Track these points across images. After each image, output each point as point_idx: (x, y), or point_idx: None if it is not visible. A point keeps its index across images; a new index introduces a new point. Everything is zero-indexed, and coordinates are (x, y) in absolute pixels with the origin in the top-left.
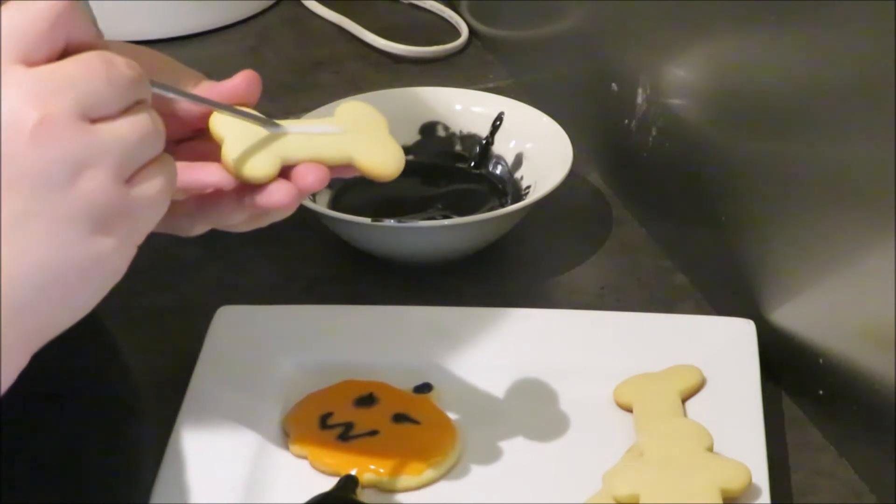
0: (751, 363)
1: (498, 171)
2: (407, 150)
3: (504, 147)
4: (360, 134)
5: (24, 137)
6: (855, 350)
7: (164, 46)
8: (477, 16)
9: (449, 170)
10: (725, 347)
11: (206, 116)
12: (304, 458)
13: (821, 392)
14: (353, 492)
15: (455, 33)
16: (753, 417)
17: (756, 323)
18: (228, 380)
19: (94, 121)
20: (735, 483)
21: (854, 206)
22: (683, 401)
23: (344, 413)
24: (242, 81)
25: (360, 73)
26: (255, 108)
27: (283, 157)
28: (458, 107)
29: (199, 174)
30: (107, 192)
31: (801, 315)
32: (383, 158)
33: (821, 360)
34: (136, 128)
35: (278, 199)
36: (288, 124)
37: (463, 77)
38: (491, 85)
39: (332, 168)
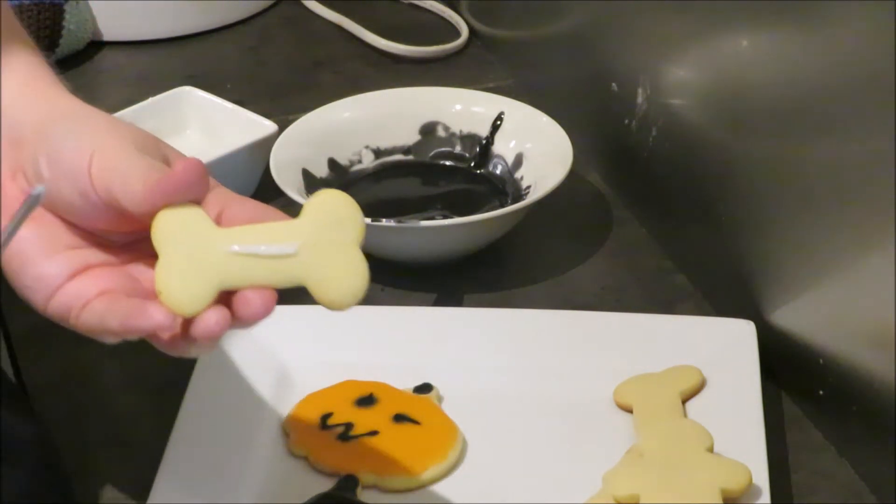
0: (751, 363)
1: (498, 171)
2: (407, 150)
3: (504, 147)
4: (319, 249)
5: None
6: (855, 350)
7: (164, 46)
8: (477, 16)
9: (449, 170)
10: (725, 348)
11: (146, 217)
12: (304, 458)
13: (821, 392)
14: (353, 492)
15: (455, 33)
16: (753, 417)
17: (756, 323)
18: (228, 380)
19: None
20: (735, 483)
21: (854, 206)
22: (683, 401)
23: (344, 413)
24: (186, 175)
25: (360, 73)
26: (253, 108)
27: (221, 284)
28: (458, 107)
29: (138, 320)
30: None
31: (801, 315)
32: (338, 287)
33: (821, 360)
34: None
35: (206, 328)
36: (237, 234)
37: (463, 77)
38: (491, 85)
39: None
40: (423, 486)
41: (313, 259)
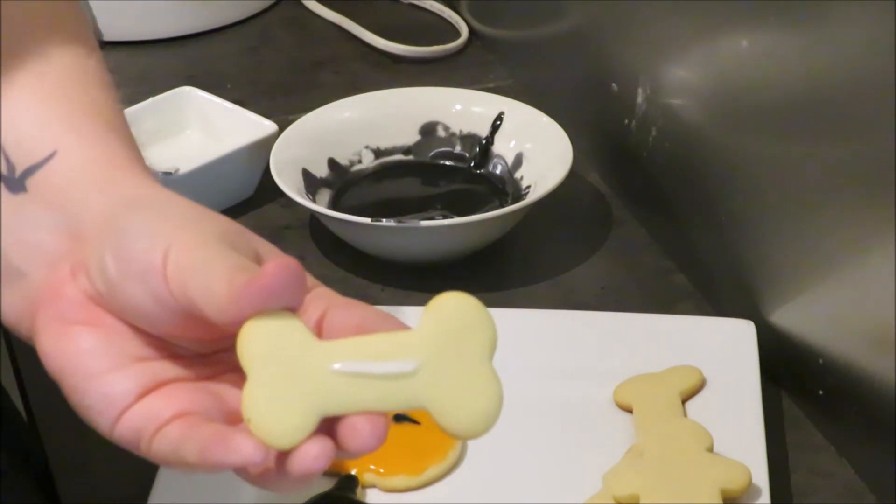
0: (751, 363)
1: (498, 171)
2: (407, 150)
3: (504, 147)
4: (443, 366)
5: None
6: (855, 350)
7: (164, 46)
8: (477, 16)
9: (449, 170)
10: (725, 348)
11: (233, 327)
12: None
13: (821, 392)
14: (353, 492)
15: (455, 33)
16: (753, 417)
17: (756, 323)
18: None
19: None
20: (735, 483)
21: (854, 206)
22: (683, 401)
23: None
24: (283, 276)
25: (360, 73)
26: (253, 108)
27: (323, 410)
28: (458, 107)
29: (223, 454)
30: None
31: (801, 315)
32: (468, 412)
33: (821, 360)
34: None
35: (304, 464)
36: (342, 349)
37: (463, 77)
38: (491, 85)
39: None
40: (423, 486)
41: (436, 378)
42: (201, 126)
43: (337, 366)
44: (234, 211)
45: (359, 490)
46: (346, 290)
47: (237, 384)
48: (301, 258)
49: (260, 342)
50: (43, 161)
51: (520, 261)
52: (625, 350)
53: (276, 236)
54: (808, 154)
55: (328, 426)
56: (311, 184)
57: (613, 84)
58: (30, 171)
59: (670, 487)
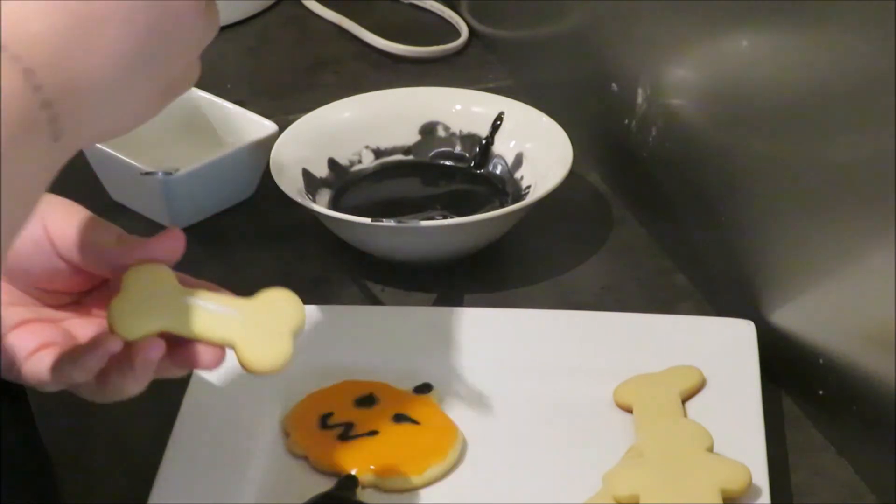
0: (751, 363)
1: (498, 171)
2: (407, 150)
3: (504, 147)
4: (256, 322)
5: None
6: (855, 350)
7: None
8: (477, 16)
9: (449, 170)
10: (725, 348)
11: (119, 269)
12: (304, 458)
13: (821, 392)
14: (353, 492)
15: (455, 33)
16: (753, 417)
17: (756, 323)
18: (228, 380)
19: None
20: (735, 483)
21: (854, 206)
22: (683, 401)
23: (344, 413)
24: (167, 241)
25: (360, 73)
26: (253, 108)
27: (166, 326)
28: (458, 107)
29: (91, 348)
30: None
31: (801, 315)
32: (262, 353)
33: (821, 360)
34: None
35: (145, 354)
36: (194, 292)
37: (463, 77)
38: (491, 85)
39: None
40: (423, 486)
41: (247, 328)
42: (201, 126)
43: (188, 299)
44: (234, 211)
45: (359, 490)
46: (346, 290)
47: (84, 326)
48: (301, 258)
49: (141, 274)
50: None
51: (520, 261)
52: (625, 350)
53: (277, 236)
54: (808, 154)
55: (179, 353)
56: (311, 184)
57: (613, 84)
58: None
59: (670, 487)
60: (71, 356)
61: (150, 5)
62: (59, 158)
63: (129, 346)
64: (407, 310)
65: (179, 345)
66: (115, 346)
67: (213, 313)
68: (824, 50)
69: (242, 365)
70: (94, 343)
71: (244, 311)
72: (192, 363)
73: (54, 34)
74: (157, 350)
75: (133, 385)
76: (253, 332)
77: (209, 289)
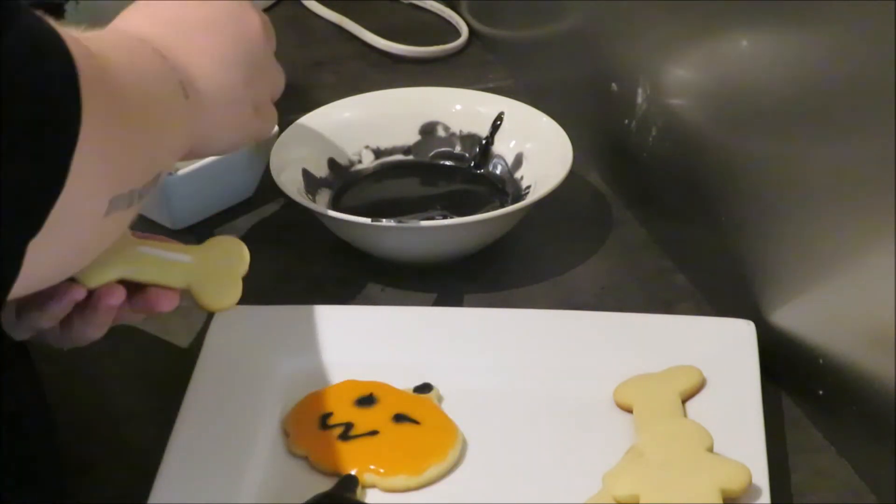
0: (751, 363)
1: (498, 171)
2: (407, 150)
3: (504, 147)
4: (207, 267)
5: None
6: (855, 350)
7: None
8: (477, 16)
9: (449, 170)
10: (725, 348)
11: None
12: (304, 458)
13: (821, 392)
14: (353, 492)
15: (455, 33)
16: (753, 417)
17: (756, 323)
18: (228, 380)
19: None
20: (735, 483)
21: (854, 206)
22: (683, 401)
23: (344, 413)
24: None
25: (360, 73)
26: None
27: (126, 273)
28: (458, 107)
29: (58, 294)
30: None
31: (801, 315)
32: (216, 294)
33: (821, 360)
34: None
35: (106, 297)
36: (149, 242)
37: (463, 77)
38: (491, 85)
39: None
40: (423, 486)
41: (201, 272)
42: None
43: (144, 248)
44: (235, 211)
45: (359, 490)
46: (346, 290)
47: None
48: (301, 258)
49: None
50: None
51: (520, 261)
52: (625, 350)
53: (277, 236)
54: (808, 154)
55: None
56: (311, 184)
57: (613, 84)
58: None
59: (670, 487)
60: (37, 304)
61: (232, 19)
62: (190, 115)
63: (91, 294)
64: (407, 310)
65: (137, 291)
66: (79, 294)
67: (169, 261)
68: (824, 50)
69: (200, 305)
70: (59, 291)
71: (196, 257)
72: (149, 308)
73: (163, 37)
74: (118, 296)
75: (95, 330)
76: (206, 275)
77: (160, 240)
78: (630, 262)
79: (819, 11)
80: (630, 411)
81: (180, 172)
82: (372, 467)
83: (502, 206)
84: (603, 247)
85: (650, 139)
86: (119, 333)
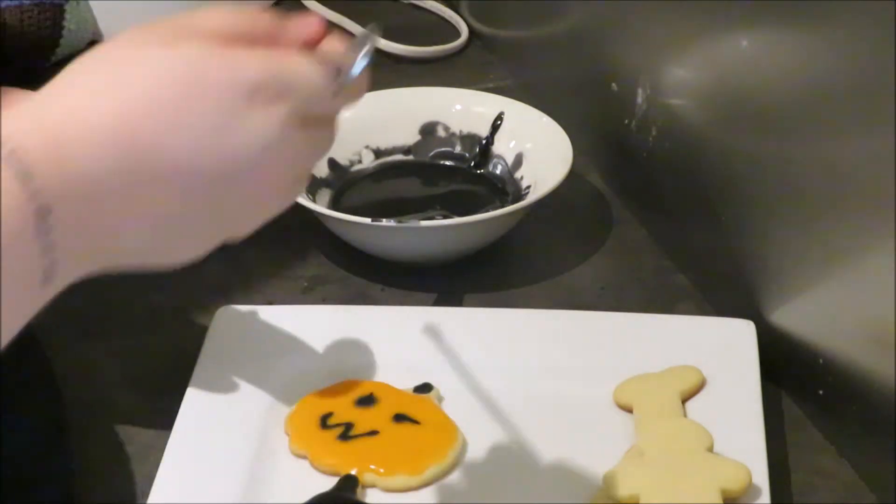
0: (751, 363)
1: (498, 171)
2: (407, 150)
3: (504, 147)
4: None
5: None
6: (855, 350)
7: None
8: (477, 16)
9: (449, 170)
10: (725, 348)
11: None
12: (304, 458)
13: (821, 392)
14: (353, 492)
15: (455, 33)
16: (753, 417)
17: (756, 323)
18: (228, 380)
19: None
20: (735, 483)
21: (854, 206)
22: (683, 401)
23: (344, 413)
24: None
25: None
26: None
27: None
28: (458, 107)
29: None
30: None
31: (801, 315)
32: None
33: (821, 360)
34: None
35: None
36: None
37: (463, 77)
38: (491, 85)
39: None
40: (423, 486)
41: None
42: None
43: None
44: None
45: (359, 490)
46: (346, 291)
47: None
48: (301, 258)
49: None
50: None
51: (520, 261)
52: (625, 350)
53: (277, 236)
54: (808, 154)
55: None
56: (311, 184)
57: (613, 84)
58: None
59: (670, 487)
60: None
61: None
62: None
63: None
64: (407, 310)
65: None
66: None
67: None
68: (824, 50)
69: None
70: None
71: None
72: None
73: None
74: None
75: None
76: None
77: None
78: (630, 262)
79: (819, 12)
80: (630, 411)
81: None
82: (372, 467)
83: (502, 206)
84: (603, 247)
85: (650, 139)
86: (119, 333)
